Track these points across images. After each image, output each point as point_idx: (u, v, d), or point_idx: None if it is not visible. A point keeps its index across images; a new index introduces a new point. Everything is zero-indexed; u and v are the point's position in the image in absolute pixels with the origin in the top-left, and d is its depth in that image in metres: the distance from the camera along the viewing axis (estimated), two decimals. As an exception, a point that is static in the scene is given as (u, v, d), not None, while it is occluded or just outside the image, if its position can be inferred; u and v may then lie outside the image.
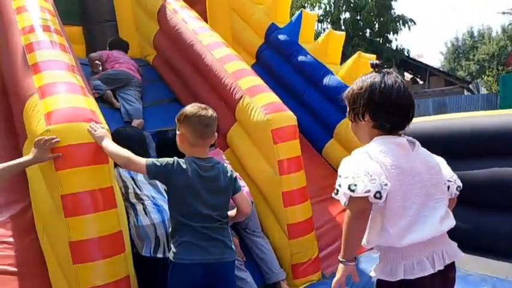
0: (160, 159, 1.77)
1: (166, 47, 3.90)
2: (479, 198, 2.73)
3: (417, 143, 1.42)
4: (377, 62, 1.43)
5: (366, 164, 1.29)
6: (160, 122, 3.40)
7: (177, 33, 3.57)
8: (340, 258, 1.34)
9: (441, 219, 1.35)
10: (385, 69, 1.42)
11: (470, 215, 2.73)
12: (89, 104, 2.13)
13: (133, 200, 2.18)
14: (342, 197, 1.30)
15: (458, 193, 1.47)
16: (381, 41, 21.46)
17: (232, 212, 1.92)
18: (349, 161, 1.34)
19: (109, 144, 1.86)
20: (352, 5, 21.29)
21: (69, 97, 2.08)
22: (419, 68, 25.14)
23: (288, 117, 2.77)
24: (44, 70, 2.21)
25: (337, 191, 1.31)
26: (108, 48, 4.16)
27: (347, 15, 21.40)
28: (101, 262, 1.86)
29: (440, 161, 1.48)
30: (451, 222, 1.39)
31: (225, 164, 1.94)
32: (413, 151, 1.39)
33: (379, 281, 1.37)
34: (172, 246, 1.78)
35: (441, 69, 29.68)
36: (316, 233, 2.80)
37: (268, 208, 2.78)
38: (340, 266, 1.34)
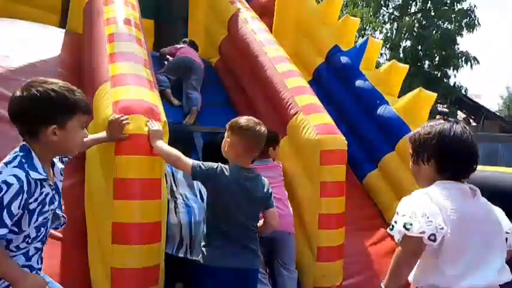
0: (205, 162, 1.85)
1: (230, 53, 4.03)
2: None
3: (478, 191, 1.45)
4: (444, 109, 1.47)
5: (425, 205, 1.34)
6: (212, 123, 3.52)
7: (244, 42, 3.69)
8: (383, 285, 1.41)
9: (499, 270, 1.38)
10: (454, 119, 1.51)
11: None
12: (153, 98, 2.25)
13: (168, 196, 2.27)
14: (396, 234, 1.35)
15: None
16: (438, 75, 20.78)
17: (259, 223, 1.96)
18: (409, 200, 1.39)
19: (161, 143, 1.97)
20: (415, 34, 20.79)
21: (136, 89, 2.21)
22: (474, 109, 24.04)
23: (339, 141, 2.78)
24: (119, 61, 2.37)
25: (393, 226, 1.37)
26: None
27: (408, 43, 20.92)
28: (137, 247, 1.95)
29: (500, 212, 1.50)
30: (509, 275, 1.40)
31: (264, 179, 1.97)
32: (475, 199, 1.43)
33: None
34: (203, 249, 1.84)
35: (498, 113, 28.24)
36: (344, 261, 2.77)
37: (301, 226, 2.79)
38: None
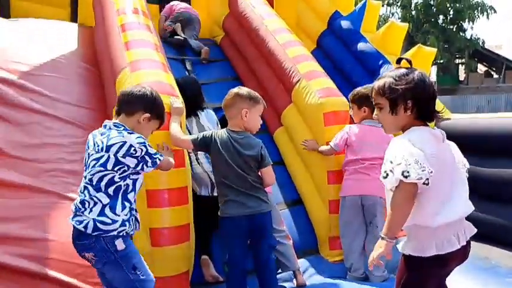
0: (200, 133, 2.23)
1: (233, 30, 4.21)
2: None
3: (444, 134, 1.57)
4: (409, 59, 1.57)
5: (413, 151, 1.41)
6: (223, 98, 3.74)
7: (244, 18, 3.86)
8: (382, 235, 1.47)
9: (465, 202, 1.54)
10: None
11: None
12: (169, 79, 2.51)
13: (189, 150, 2.55)
14: (392, 182, 1.42)
15: (467, 175, 1.63)
16: (454, 29, 20.14)
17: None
18: (396, 147, 1.45)
19: (175, 124, 2.27)
20: (426, -11, 20.05)
21: (153, 72, 2.47)
22: (495, 61, 23.30)
23: (340, 103, 2.98)
24: (134, 48, 2.62)
25: (387, 175, 1.42)
26: None
27: (419, -1, 20.27)
28: (168, 209, 2.26)
29: (454, 146, 1.64)
30: (471, 206, 1.57)
31: (257, 141, 2.23)
32: (444, 142, 1.57)
33: (409, 256, 1.52)
34: (220, 205, 2.19)
35: (521, 63, 27.23)
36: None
37: (312, 183, 3.05)
38: (382, 242, 1.46)
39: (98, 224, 1.70)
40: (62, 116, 2.86)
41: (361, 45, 4.21)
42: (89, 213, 1.72)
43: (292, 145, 3.24)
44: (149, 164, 1.81)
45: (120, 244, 1.72)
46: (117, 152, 1.73)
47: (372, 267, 1.54)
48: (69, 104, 2.98)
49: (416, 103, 1.50)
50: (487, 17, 20.09)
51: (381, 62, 4.05)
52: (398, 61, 1.57)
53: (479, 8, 19.68)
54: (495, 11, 19.76)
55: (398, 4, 20.67)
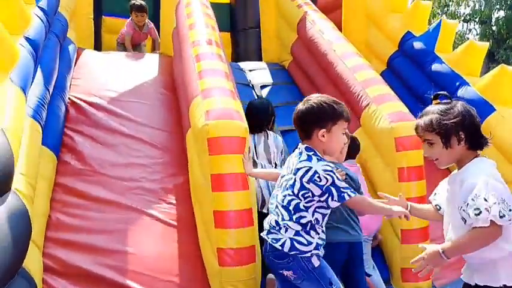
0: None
1: (302, 55, 4.29)
2: None
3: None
4: (446, 94, 1.61)
5: (501, 190, 1.43)
6: (290, 121, 3.79)
7: (313, 43, 3.93)
8: (441, 251, 1.47)
9: None
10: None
11: None
12: (236, 105, 2.62)
13: (261, 152, 2.72)
14: (484, 220, 1.39)
15: None
16: (542, 44, 18.34)
17: None
18: (489, 184, 1.44)
19: (256, 170, 2.38)
20: (508, 2, 18.67)
21: (222, 99, 2.59)
22: None
23: (413, 127, 2.85)
24: (206, 77, 2.78)
25: (480, 212, 1.39)
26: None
27: (501, 13, 18.83)
28: (235, 230, 2.30)
29: None
30: None
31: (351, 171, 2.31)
32: None
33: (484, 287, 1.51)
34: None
35: None
36: (430, 243, 2.83)
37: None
38: (437, 257, 1.47)
39: (295, 244, 1.73)
40: (144, 138, 3.14)
41: (435, 66, 4.04)
42: (284, 233, 1.75)
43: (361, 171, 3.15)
44: (335, 197, 1.68)
45: (315, 261, 1.76)
46: (302, 176, 1.70)
47: (418, 272, 1.53)
48: (151, 127, 3.27)
49: (467, 134, 1.53)
50: None
51: (458, 84, 3.84)
52: (436, 97, 1.61)
53: None
54: None
55: (477, 20, 19.41)
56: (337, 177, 1.69)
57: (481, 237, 1.44)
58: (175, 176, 2.90)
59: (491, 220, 1.39)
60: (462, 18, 19.23)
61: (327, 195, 1.69)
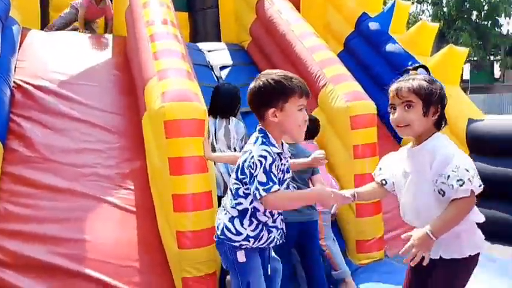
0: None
1: (261, 35, 4.25)
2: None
3: None
4: (426, 66, 1.59)
5: (471, 161, 1.46)
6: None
7: (272, 23, 3.90)
8: (431, 234, 1.41)
9: None
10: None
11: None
12: (193, 86, 2.57)
13: (221, 138, 2.72)
14: (466, 190, 1.41)
15: None
16: (488, 25, 19.34)
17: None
18: (463, 156, 1.47)
19: (214, 154, 2.36)
20: (458, -16, 19.40)
21: (178, 80, 2.53)
22: (534, 57, 22.17)
23: (367, 106, 2.96)
24: (161, 57, 2.70)
25: (463, 183, 1.40)
26: None
27: (451, -5, 19.59)
28: (194, 213, 2.29)
29: None
30: None
31: (308, 152, 2.33)
32: None
33: (459, 260, 1.52)
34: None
35: None
36: (383, 216, 2.98)
37: (340, 187, 3.03)
38: (428, 240, 1.41)
39: (225, 230, 1.67)
40: (97, 122, 3.00)
41: (389, 47, 4.15)
42: (223, 216, 1.70)
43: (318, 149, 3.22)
44: (256, 192, 1.52)
45: (241, 256, 1.66)
46: (244, 160, 1.57)
47: (409, 259, 1.44)
48: (104, 111, 3.13)
49: (441, 109, 1.54)
50: (526, 11, 19.15)
51: (410, 63, 3.96)
52: (416, 68, 1.59)
53: (517, 3, 18.76)
54: (535, 5, 18.82)
55: (429, 1, 20.06)
56: (268, 165, 1.51)
57: (465, 208, 1.44)
58: (132, 160, 2.82)
59: (471, 190, 1.41)
60: (410, 8, 19.82)
61: (252, 186, 1.53)
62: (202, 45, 4.70)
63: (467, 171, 1.42)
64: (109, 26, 4.72)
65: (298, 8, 4.43)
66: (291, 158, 2.18)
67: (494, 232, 2.77)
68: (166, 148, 2.33)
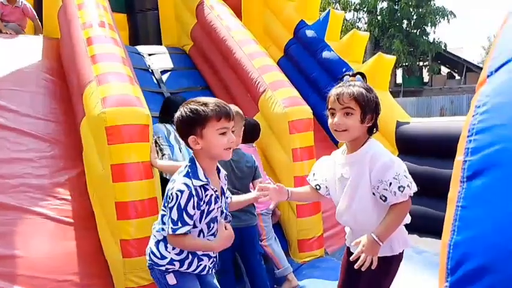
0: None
1: (201, 40, 4.28)
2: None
3: None
4: (363, 73, 1.67)
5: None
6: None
7: (212, 28, 3.94)
8: (377, 239, 1.50)
9: None
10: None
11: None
12: (135, 91, 2.54)
13: (173, 142, 2.72)
14: (405, 195, 1.52)
15: None
16: (417, 33, 20.93)
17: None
18: (399, 162, 1.55)
19: (160, 163, 2.37)
20: (390, -5, 20.74)
21: (119, 85, 2.49)
22: (456, 63, 24.36)
23: (304, 111, 3.11)
24: (100, 61, 2.64)
25: (404, 188, 1.50)
26: None
27: (384, 4, 20.94)
28: (138, 220, 2.26)
29: None
30: None
31: (250, 156, 2.43)
32: None
33: (389, 257, 1.62)
34: None
35: (481, 65, 28.56)
36: (322, 215, 3.15)
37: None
38: (375, 245, 1.50)
39: (151, 254, 1.68)
40: (27, 130, 2.84)
41: (325, 54, 4.39)
42: (151, 240, 1.71)
43: (260, 153, 3.32)
44: (166, 226, 1.55)
45: (171, 279, 1.65)
46: (169, 188, 1.57)
47: (361, 265, 1.49)
48: (35, 118, 2.96)
49: (376, 116, 1.61)
50: (448, 21, 20.99)
51: (344, 70, 4.23)
52: (354, 75, 1.66)
53: (440, 13, 20.53)
54: (455, 16, 20.68)
55: (365, 10, 21.25)
56: (184, 202, 1.51)
57: (404, 212, 1.55)
58: (67, 169, 2.72)
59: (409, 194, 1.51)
60: (353, 7, 20.94)
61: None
62: (142, 49, 4.63)
63: (406, 177, 1.51)
64: (35, 26, 4.50)
65: (238, 14, 4.52)
66: (234, 169, 2.24)
67: (423, 226, 3.07)
68: (108, 155, 2.29)
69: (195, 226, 1.59)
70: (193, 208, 1.54)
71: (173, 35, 4.88)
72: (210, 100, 1.59)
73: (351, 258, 1.54)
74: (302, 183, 3.02)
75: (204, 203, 1.58)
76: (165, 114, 2.89)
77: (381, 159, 1.54)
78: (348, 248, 1.79)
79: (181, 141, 2.73)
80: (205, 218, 1.60)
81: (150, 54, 4.52)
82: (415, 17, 20.72)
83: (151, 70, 4.26)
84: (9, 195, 2.41)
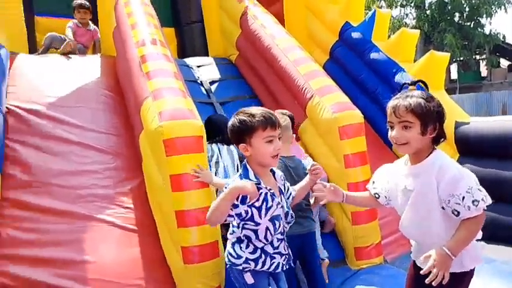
0: None
1: (247, 49, 4.36)
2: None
3: None
4: (425, 81, 1.63)
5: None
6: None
7: (256, 38, 4.00)
8: (449, 253, 1.45)
9: None
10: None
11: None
12: (188, 104, 2.65)
13: (213, 165, 2.73)
14: (479, 209, 1.47)
15: None
16: (471, 26, 19.76)
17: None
18: (469, 173, 1.50)
19: (216, 179, 2.43)
20: (439, -13, 19.76)
21: (173, 99, 2.60)
22: (517, 54, 22.68)
23: (354, 116, 3.06)
24: (154, 78, 2.77)
25: (478, 202, 1.46)
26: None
27: (433, -2, 19.99)
28: (197, 228, 2.34)
29: None
30: None
31: (304, 161, 2.49)
32: None
33: (461, 274, 1.57)
34: None
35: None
36: (379, 222, 3.06)
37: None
38: (447, 259, 1.45)
39: (229, 256, 1.82)
40: (92, 143, 3.06)
41: (373, 54, 4.28)
42: (229, 244, 1.85)
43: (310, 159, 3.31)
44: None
45: (248, 278, 1.78)
46: None
47: (431, 279, 1.43)
48: (98, 132, 3.19)
49: (440, 126, 1.55)
50: (505, 11, 19.61)
51: (394, 70, 4.10)
52: (414, 83, 1.62)
53: (496, 3, 19.23)
54: (513, 4, 19.27)
55: (412, 5, 20.41)
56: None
57: (478, 226, 1.51)
58: (129, 180, 2.88)
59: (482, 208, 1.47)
60: (399, 3, 20.24)
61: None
62: (191, 61, 4.79)
63: (480, 190, 1.46)
64: (97, 47, 4.83)
65: (282, 20, 4.55)
66: (292, 176, 2.28)
67: (488, 232, 2.87)
68: (166, 166, 2.40)
69: (257, 224, 1.72)
70: (238, 201, 1.66)
71: (219, 46, 5.02)
72: (258, 111, 1.72)
73: (421, 272, 1.46)
74: (356, 189, 2.96)
75: (259, 201, 1.69)
76: (208, 135, 2.83)
77: (449, 171, 1.49)
78: (414, 261, 1.72)
79: (220, 165, 2.78)
80: (266, 215, 1.71)
81: (198, 66, 4.68)
82: (467, 9, 19.58)
83: (201, 81, 4.40)
84: (79, 205, 2.61)
